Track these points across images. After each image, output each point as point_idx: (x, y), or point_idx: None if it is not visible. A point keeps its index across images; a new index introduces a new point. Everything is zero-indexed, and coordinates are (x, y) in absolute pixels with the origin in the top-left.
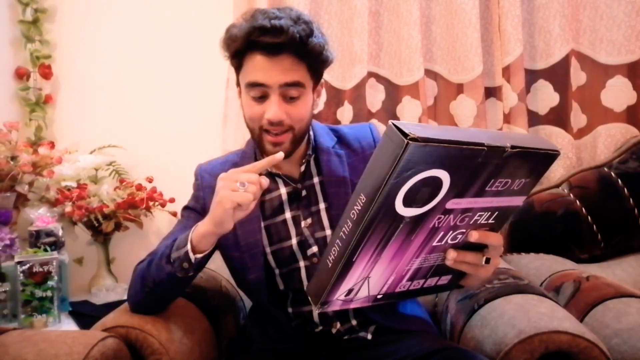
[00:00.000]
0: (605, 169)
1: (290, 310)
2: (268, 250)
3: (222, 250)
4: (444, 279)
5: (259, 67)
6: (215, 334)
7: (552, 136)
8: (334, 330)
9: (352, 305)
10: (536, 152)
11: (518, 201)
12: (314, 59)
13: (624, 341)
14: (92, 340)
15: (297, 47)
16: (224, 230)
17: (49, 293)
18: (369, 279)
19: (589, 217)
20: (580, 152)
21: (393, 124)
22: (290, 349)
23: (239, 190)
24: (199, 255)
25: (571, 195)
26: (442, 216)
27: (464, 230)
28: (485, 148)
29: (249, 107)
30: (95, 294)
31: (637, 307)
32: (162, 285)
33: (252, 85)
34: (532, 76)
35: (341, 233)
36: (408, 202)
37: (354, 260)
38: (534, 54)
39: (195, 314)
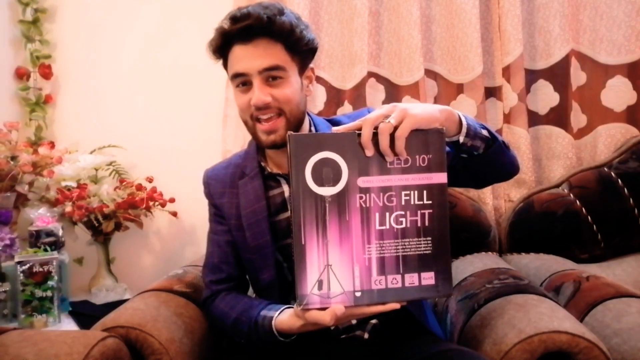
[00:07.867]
0: (605, 169)
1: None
2: (275, 246)
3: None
4: (428, 277)
5: (238, 57)
6: (215, 333)
7: (552, 136)
8: (332, 329)
9: (333, 303)
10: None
11: (440, 178)
12: (287, 38)
13: (624, 341)
14: (92, 340)
15: (266, 27)
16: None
17: (49, 293)
18: (331, 267)
19: (589, 217)
20: (580, 152)
21: (289, 134)
22: (289, 348)
23: None
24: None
25: (571, 195)
26: (363, 195)
27: (403, 212)
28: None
29: (237, 99)
30: (95, 294)
31: (637, 307)
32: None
33: (235, 76)
34: (532, 76)
35: (292, 226)
36: (319, 181)
37: (303, 243)
38: (534, 54)
39: (195, 314)
